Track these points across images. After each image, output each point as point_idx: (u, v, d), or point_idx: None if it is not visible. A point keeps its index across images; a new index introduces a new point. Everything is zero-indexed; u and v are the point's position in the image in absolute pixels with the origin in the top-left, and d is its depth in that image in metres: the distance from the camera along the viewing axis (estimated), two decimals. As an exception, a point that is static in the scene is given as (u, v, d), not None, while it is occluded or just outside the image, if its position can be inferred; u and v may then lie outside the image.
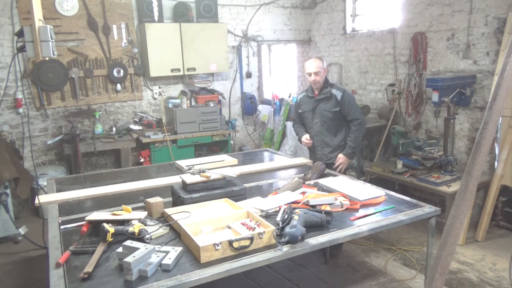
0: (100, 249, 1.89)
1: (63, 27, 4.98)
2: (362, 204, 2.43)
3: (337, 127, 3.54)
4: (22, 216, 4.86)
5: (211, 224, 2.10)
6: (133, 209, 2.31)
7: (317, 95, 3.53)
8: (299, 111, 3.70)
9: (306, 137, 3.59)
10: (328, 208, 2.30)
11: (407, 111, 4.98)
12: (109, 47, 5.27)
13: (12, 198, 4.20)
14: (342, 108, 3.45)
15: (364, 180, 3.68)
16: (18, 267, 3.70)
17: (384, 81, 5.33)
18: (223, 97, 6.11)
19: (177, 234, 2.07)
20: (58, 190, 2.92)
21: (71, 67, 5.08)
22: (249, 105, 6.34)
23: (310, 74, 3.46)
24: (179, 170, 3.30)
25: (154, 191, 2.81)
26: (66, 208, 2.56)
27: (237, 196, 2.54)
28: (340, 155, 3.49)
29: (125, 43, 5.35)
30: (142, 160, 5.20)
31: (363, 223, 2.17)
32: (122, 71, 5.33)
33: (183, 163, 3.44)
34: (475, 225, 3.95)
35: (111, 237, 1.96)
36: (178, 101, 5.54)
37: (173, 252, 1.82)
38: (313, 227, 2.08)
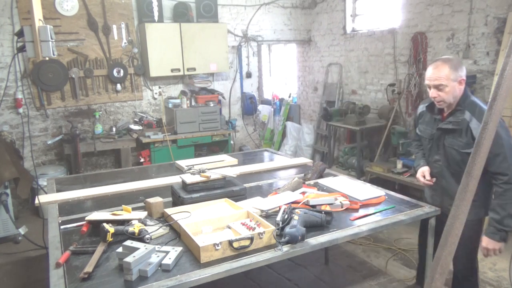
0: (100, 249, 1.89)
1: (63, 27, 4.98)
2: (362, 204, 2.42)
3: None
4: (22, 216, 4.86)
5: (211, 224, 2.10)
6: (133, 209, 2.31)
7: (445, 118, 2.30)
8: (417, 132, 2.55)
9: (424, 172, 2.42)
10: (328, 208, 2.30)
11: (407, 111, 4.98)
12: (109, 47, 5.27)
13: (12, 198, 4.20)
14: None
15: (364, 180, 3.67)
16: (18, 267, 3.70)
17: (384, 81, 5.33)
18: (223, 97, 6.11)
19: (177, 234, 2.07)
20: (58, 190, 2.92)
21: (71, 67, 5.08)
22: (249, 105, 6.34)
23: (429, 87, 2.23)
24: (179, 170, 3.30)
25: (154, 191, 2.81)
26: (66, 208, 2.56)
27: (237, 196, 2.54)
28: (485, 239, 2.18)
29: (125, 43, 5.35)
30: (142, 160, 5.20)
31: (363, 223, 2.17)
32: (122, 71, 5.33)
33: (183, 163, 3.44)
34: (475, 225, 3.95)
35: (111, 237, 1.96)
36: (178, 101, 5.54)
37: (173, 252, 1.82)
38: (313, 227, 2.08)
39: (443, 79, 2.15)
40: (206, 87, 5.83)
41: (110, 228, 1.97)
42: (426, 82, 2.25)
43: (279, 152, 4.57)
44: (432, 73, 2.18)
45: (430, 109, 2.39)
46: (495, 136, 1.78)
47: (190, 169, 2.67)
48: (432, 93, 2.21)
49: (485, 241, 2.18)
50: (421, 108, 2.49)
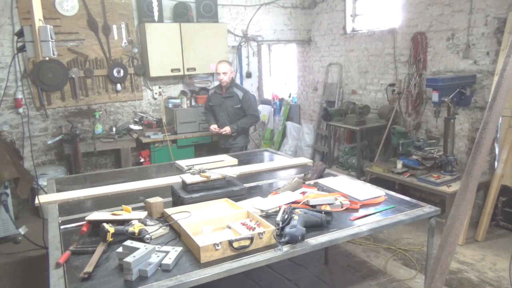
0: (100, 249, 1.89)
1: (63, 27, 4.98)
2: (362, 204, 2.43)
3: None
4: (22, 216, 4.86)
5: (211, 224, 2.10)
6: (133, 209, 2.31)
7: (224, 92, 4.62)
8: (210, 104, 4.80)
9: (214, 127, 4.66)
10: (328, 208, 2.30)
11: (407, 111, 4.99)
12: (109, 47, 5.27)
13: (12, 198, 4.20)
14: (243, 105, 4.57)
15: (364, 180, 3.67)
16: (18, 267, 3.70)
17: (384, 81, 5.33)
18: (223, 97, 6.10)
19: (177, 234, 2.07)
20: (58, 190, 2.92)
21: (71, 67, 5.08)
22: (249, 105, 6.32)
23: (219, 75, 4.53)
24: (179, 170, 3.30)
25: (154, 191, 2.81)
26: (66, 208, 2.56)
27: (237, 196, 2.54)
28: (227, 127, 4.61)
29: (125, 43, 5.35)
30: (142, 160, 5.20)
31: (363, 223, 2.17)
32: (122, 71, 5.33)
33: (183, 163, 3.44)
34: (475, 225, 3.95)
35: (111, 237, 1.96)
36: (178, 101, 5.54)
37: (173, 252, 1.82)
38: (313, 227, 2.08)
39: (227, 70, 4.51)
40: (206, 87, 5.82)
41: (110, 228, 1.96)
42: (217, 72, 4.53)
43: (279, 152, 4.57)
44: (221, 67, 4.50)
45: (218, 89, 4.69)
46: (249, 99, 4.64)
47: (190, 169, 2.67)
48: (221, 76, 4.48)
49: (227, 129, 4.58)
50: (212, 90, 4.80)
